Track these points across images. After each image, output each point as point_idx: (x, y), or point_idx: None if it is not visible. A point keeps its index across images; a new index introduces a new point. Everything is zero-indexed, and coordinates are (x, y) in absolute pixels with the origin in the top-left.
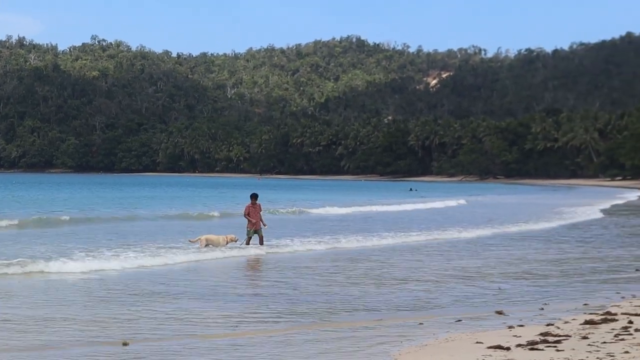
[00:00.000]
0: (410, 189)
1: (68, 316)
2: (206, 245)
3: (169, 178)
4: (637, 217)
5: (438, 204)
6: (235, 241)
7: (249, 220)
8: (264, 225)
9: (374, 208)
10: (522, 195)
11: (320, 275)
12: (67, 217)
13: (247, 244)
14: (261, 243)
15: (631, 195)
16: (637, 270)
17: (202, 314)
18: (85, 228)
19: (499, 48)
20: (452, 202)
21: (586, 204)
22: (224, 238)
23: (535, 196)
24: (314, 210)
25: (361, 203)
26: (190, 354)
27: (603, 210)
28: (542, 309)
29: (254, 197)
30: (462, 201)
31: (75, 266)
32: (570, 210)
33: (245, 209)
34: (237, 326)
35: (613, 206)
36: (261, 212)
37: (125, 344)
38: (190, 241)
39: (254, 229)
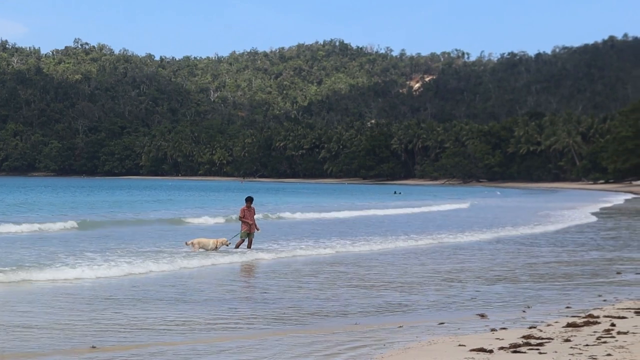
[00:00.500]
0: (395, 192)
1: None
2: (199, 248)
3: (152, 181)
4: (627, 219)
5: (440, 208)
6: (227, 244)
7: (244, 223)
8: (257, 229)
9: (356, 213)
10: (510, 198)
11: (298, 280)
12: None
13: (238, 247)
14: (249, 246)
15: (616, 199)
16: (617, 273)
17: (167, 320)
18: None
19: (482, 52)
20: (455, 206)
21: (571, 207)
22: (214, 241)
23: (520, 199)
24: (311, 215)
25: (352, 207)
26: None
27: (594, 214)
28: (525, 311)
29: (250, 200)
30: (464, 205)
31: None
32: (557, 214)
33: (241, 212)
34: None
35: (602, 209)
36: (255, 216)
37: (93, 348)
38: (186, 243)
39: (247, 232)
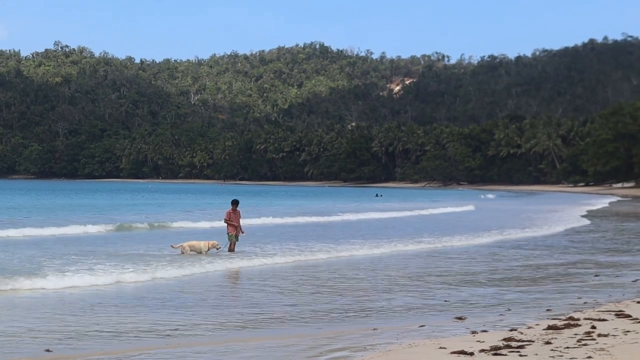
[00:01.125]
0: (377, 195)
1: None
2: (190, 251)
3: (133, 184)
4: (619, 221)
5: (443, 210)
6: (217, 248)
7: (230, 225)
8: (242, 232)
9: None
10: (499, 201)
11: (274, 286)
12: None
13: (231, 249)
14: (232, 249)
15: (600, 202)
16: (596, 275)
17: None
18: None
19: (462, 55)
20: (458, 208)
21: (562, 209)
22: (206, 244)
23: (507, 202)
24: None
25: (352, 210)
26: None
27: (585, 217)
28: (505, 314)
29: (235, 203)
30: (469, 207)
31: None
32: (555, 216)
33: (227, 215)
34: (169, 335)
35: (590, 212)
36: (240, 219)
37: (48, 351)
38: (172, 247)
39: (235, 234)
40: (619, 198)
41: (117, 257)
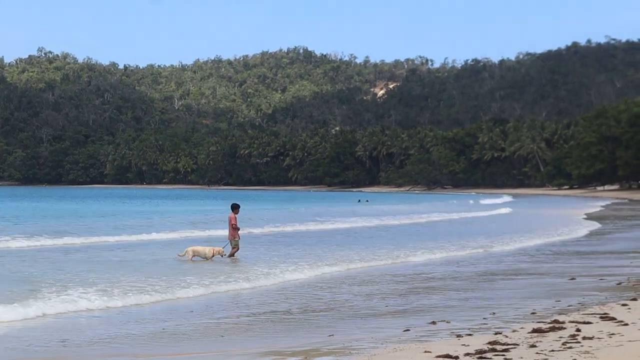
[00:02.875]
0: (359, 200)
1: None
2: (193, 257)
3: (118, 190)
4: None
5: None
6: (223, 255)
7: (235, 230)
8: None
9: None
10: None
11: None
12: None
13: (232, 254)
14: (223, 254)
15: (592, 206)
16: (571, 278)
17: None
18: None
19: (445, 58)
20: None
21: (570, 214)
22: (211, 250)
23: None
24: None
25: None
26: None
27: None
28: (489, 318)
29: (237, 207)
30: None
31: None
32: (545, 221)
33: (234, 219)
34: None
35: (594, 214)
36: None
37: None
38: (179, 255)
39: (235, 239)
40: (612, 201)
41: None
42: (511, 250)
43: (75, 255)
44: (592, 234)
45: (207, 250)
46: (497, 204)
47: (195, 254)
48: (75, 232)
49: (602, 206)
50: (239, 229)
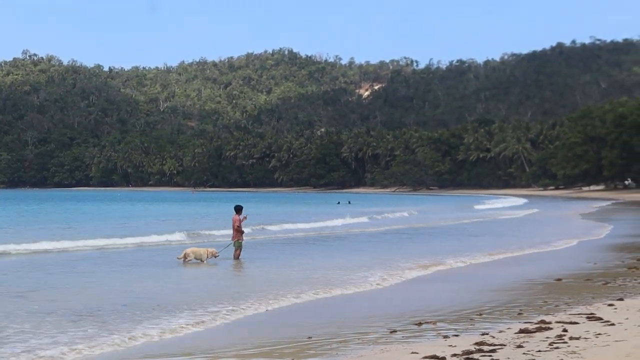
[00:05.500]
0: (339, 202)
1: None
2: (188, 259)
3: (104, 193)
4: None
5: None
6: (216, 256)
7: (237, 231)
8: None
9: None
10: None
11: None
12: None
13: (238, 257)
14: (238, 257)
15: (588, 207)
16: (557, 280)
17: None
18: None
19: (430, 59)
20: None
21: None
22: (206, 251)
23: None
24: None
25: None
26: None
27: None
28: (477, 319)
29: (240, 209)
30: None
31: None
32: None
33: (238, 221)
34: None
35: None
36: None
37: None
38: (178, 258)
39: (239, 240)
40: (609, 202)
41: None
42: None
43: None
44: None
45: (203, 251)
46: (516, 205)
47: (194, 254)
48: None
49: (597, 207)
50: (243, 232)
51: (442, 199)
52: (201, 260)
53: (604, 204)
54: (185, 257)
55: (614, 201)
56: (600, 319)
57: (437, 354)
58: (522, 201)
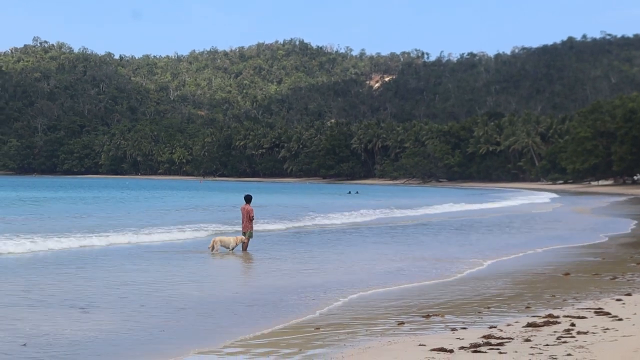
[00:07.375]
0: (349, 192)
1: None
2: (216, 249)
3: (113, 180)
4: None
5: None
6: (245, 242)
7: (248, 222)
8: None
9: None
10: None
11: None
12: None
13: (245, 248)
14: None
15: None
16: (565, 274)
17: None
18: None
19: (441, 52)
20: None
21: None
22: (234, 239)
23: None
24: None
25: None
26: None
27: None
28: (484, 311)
29: (250, 199)
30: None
31: None
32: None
33: (252, 211)
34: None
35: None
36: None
37: None
38: (209, 247)
39: (250, 231)
40: (622, 198)
41: None
42: None
43: None
44: None
45: (232, 239)
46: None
47: (222, 243)
48: None
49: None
50: (253, 218)
51: (457, 192)
52: (229, 249)
53: (619, 199)
54: (213, 246)
55: (631, 196)
56: (608, 313)
57: (445, 346)
58: (548, 196)
